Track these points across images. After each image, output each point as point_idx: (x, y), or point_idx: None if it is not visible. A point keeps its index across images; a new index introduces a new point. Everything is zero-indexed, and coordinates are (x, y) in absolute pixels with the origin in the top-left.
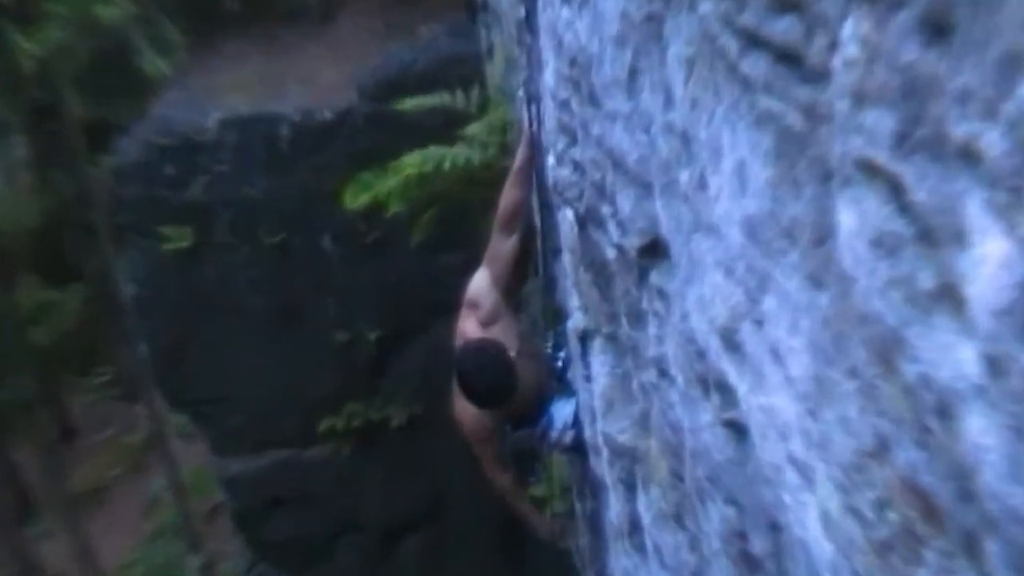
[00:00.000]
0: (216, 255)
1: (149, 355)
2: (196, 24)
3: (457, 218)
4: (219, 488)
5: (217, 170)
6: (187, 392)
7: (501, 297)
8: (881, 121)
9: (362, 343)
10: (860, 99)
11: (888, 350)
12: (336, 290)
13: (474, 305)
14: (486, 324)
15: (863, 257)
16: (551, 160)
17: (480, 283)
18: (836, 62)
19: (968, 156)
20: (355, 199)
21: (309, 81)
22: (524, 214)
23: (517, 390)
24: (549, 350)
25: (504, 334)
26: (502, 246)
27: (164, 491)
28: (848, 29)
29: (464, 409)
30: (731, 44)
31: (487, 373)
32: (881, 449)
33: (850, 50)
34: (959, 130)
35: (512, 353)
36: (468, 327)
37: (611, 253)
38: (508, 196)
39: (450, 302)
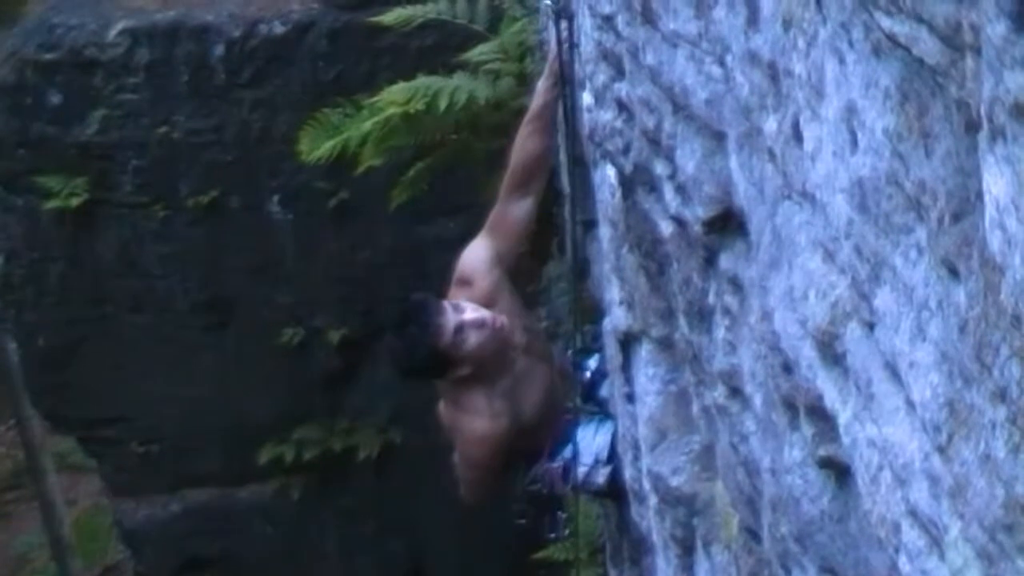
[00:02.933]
0: (118, 220)
1: (21, 358)
2: None
3: (454, 176)
4: (116, 543)
5: (121, 100)
6: (74, 409)
7: (503, 276)
8: None
9: (320, 345)
10: (1022, 22)
11: None
12: (286, 272)
13: (466, 281)
14: (481, 307)
15: (1018, 238)
16: (587, 99)
17: (477, 254)
18: None
19: None
20: (315, 148)
21: None
22: (545, 172)
23: (443, 340)
24: (572, 356)
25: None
26: (511, 211)
27: (38, 547)
28: None
29: (476, 435)
30: None
31: (408, 322)
32: None
33: None
34: None
35: (516, 345)
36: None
37: (667, 228)
38: (524, 146)
39: (441, 290)
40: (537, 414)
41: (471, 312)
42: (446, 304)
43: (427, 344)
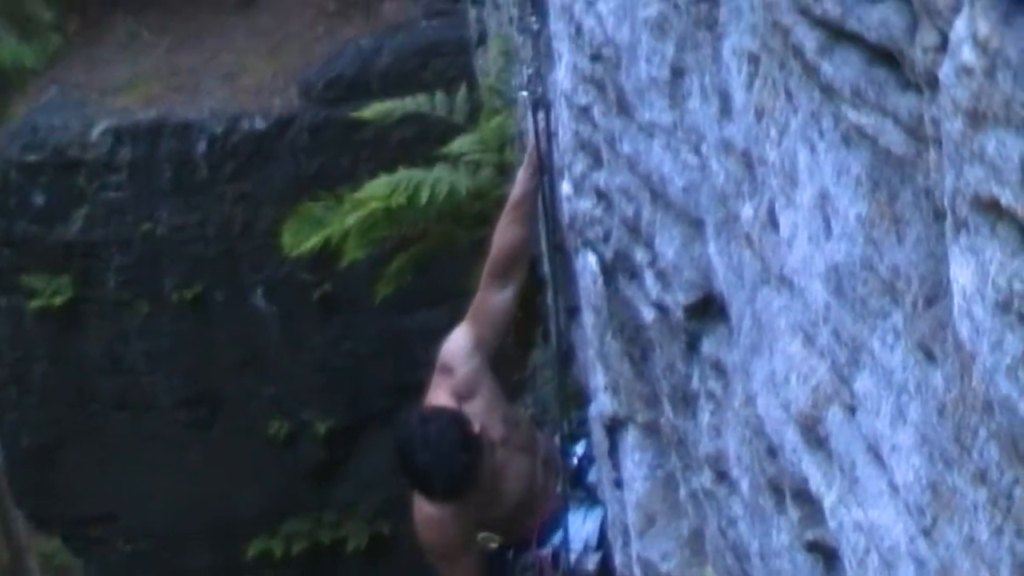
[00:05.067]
0: (102, 317)
1: (4, 458)
2: (78, 0)
3: (438, 265)
4: None
5: (105, 199)
6: (58, 508)
7: (484, 363)
8: (1006, 148)
9: (307, 437)
10: (978, 119)
11: None
12: (272, 365)
13: (447, 369)
14: (460, 396)
15: (985, 326)
16: (566, 188)
17: (458, 342)
18: (946, 69)
19: None
20: (299, 241)
21: (232, 77)
22: (525, 260)
23: (479, 476)
24: (560, 443)
25: (484, 411)
26: (492, 299)
27: None
28: (962, 26)
29: (423, 515)
30: (808, 38)
31: (436, 450)
32: None
33: (964, 55)
34: None
35: (486, 430)
36: (437, 398)
37: (649, 314)
38: (504, 235)
39: (425, 378)
40: (516, 504)
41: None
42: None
43: (458, 447)
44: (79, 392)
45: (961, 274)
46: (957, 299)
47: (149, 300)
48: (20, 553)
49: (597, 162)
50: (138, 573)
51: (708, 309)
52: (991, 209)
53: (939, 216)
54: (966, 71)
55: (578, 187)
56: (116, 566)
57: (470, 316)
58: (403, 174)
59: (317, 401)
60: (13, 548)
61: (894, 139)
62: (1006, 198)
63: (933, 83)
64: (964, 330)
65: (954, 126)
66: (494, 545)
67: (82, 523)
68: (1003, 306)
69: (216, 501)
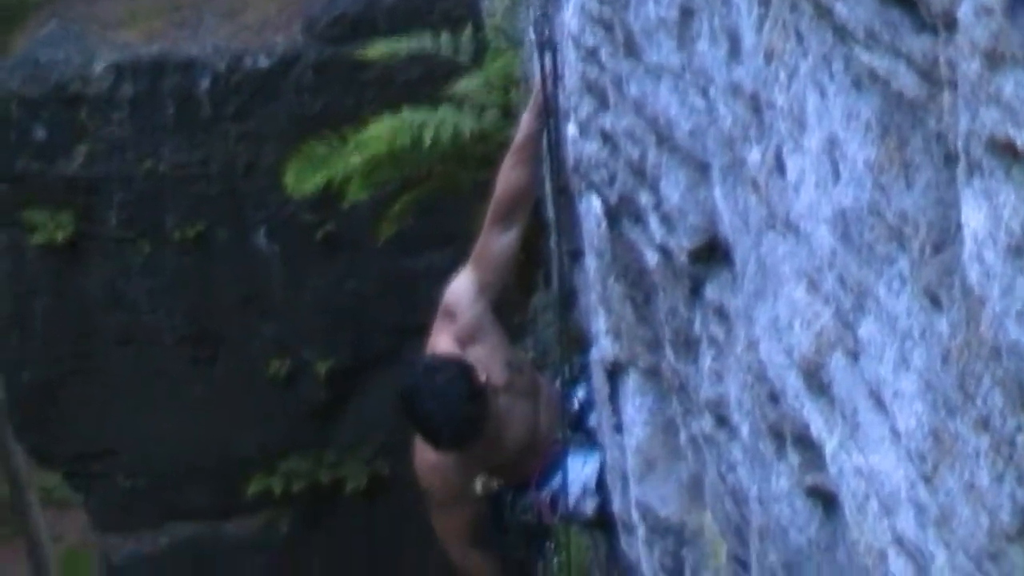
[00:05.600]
0: (104, 254)
1: (6, 394)
2: None
3: (441, 208)
4: None
5: (107, 135)
6: (60, 445)
7: (488, 308)
8: (1023, 89)
9: (308, 377)
10: (996, 60)
11: None
12: (273, 304)
13: (450, 314)
14: (463, 341)
15: (996, 270)
16: (572, 130)
17: (461, 287)
18: (965, 9)
19: None
20: (302, 181)
21: (236, 13)
22: (529, 203)
23: (486, 426)
24: (560, 387)
25: (487, 356)
26: (495, 243)
27: None
28: None
29: (425, 461)
30: None
31: (443, 400)
32: None
33: None
34: None
35: (488, 377)
36: (440, 343)
37: (652, 258)
38: (508, 177)
39: (428, 321)
40: (518, 449)
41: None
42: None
43: (466, 398)
44: (81, 329)
45: (973, 218)
46: (968, 243)
47: (151, 238)
48: (21, 488)
49: (603, 104)
50: (138, 509)
51: (712, 254)
52: (1006, 151)
53: (949, 161)
54: (985, 11)
55: (583, 129)
56: (116, 502)
57: (473, 260)
58: (407, 115)
59: (319, 341)
60: (14, 483)
61: (907, 82)
62: (1022, 140)
63: (950, 24)
64: (974, 275)
65: (971, 67)
66: (495, 486)
67: (83, 459)
68: (1015, 250)
69: (216, 439)
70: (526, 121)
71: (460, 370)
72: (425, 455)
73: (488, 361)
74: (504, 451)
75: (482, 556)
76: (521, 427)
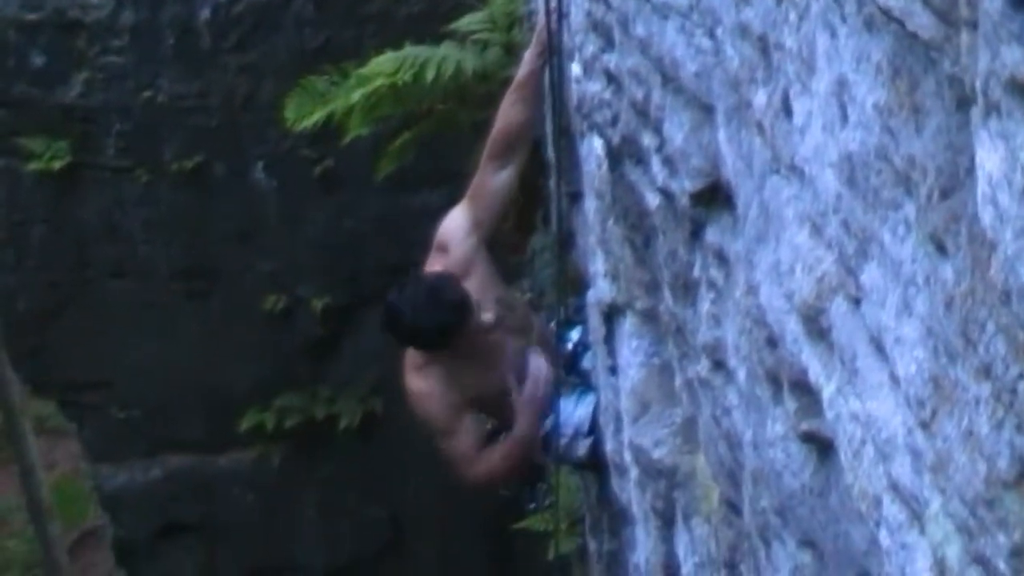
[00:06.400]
0: (100, 184)
1: (1, 322)
2: None
3: (441, 145)
4: (96, 507)
5: (105, 63)
6: (55, 373)
7: (480, 244)
8: None
9: (303, 313)
10: None
11: None
12: (270, 239)
13: (443, 248)
14: (455, 275)
15: (1010, 213)
16: (575, 70)
17: (455, 221)
18: None
19: None
20: (301, 116)
21: None
22: (527, 141)
23: (467, 331)
24: (555, 328)
25: (478, 291)
26: (490, 180)
27: (15, 510)
28: None
29: (414, 390)
30: None
31: (425, 300)
32: (1021, 477)
33: None
34: None
35: (488, 314)
36: None
37: (654, 200)
38: (506, 114)
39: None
40: (508, 385)
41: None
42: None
43: (452, 297)
44: (76, 258)
45: (988, 160)
46: (982, 186)
47: (148, 168)
48: (15, 415)
49: (608, 43)
50: (131, 440)
51: (715, 197)
52: None
53: (961, 105)
54: None
55: (588, 69)
56: (109, 432)
57: (468, 196)
58: (409, 51)
59: (315, 278)
60: (8, 410)
61: (923, 22)
62: None
63: None
64: (987, 217)
65: (993, 4)
66: (488, 427)
67: (77, 388)
68: None
69: (211, 373)
70: (528, 58)
71: (444, 278)
72: (414, 385)
73: (479, 295)
74: (493, 385)
75: (492, 458)
76: (511, 363)
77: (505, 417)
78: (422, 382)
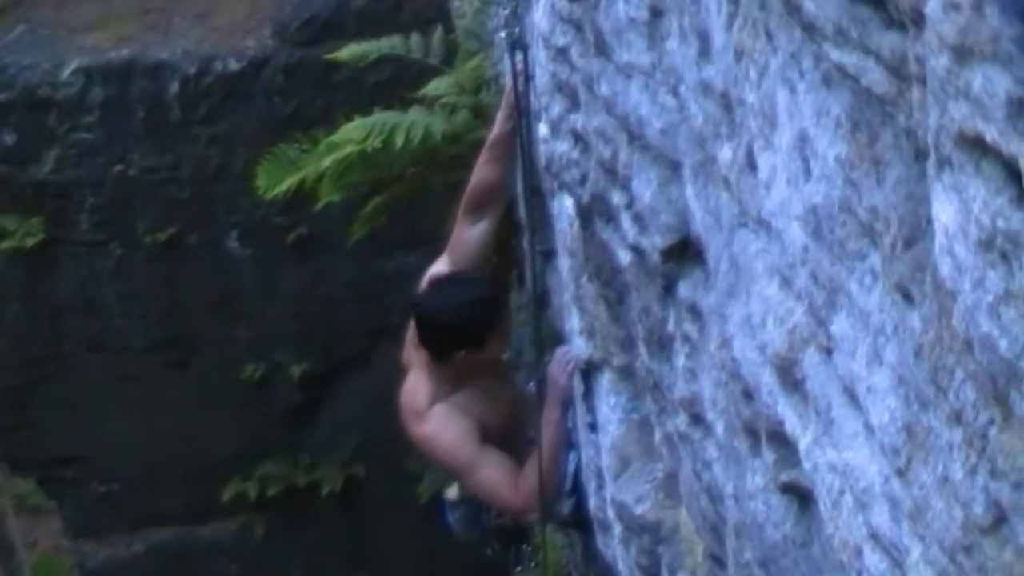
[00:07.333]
0: (75, 259)
1: None
2: None
3: (413, 209)
4: None
5: (76, 139)
6: (34, 450)
7: None
8: (992, 84)
9: (281, 381)
10: (964, 55)
11: (1003, 388)
12: (246, 308)
13: None
14: None
15: (967, 264)
16: (543, 130)
17: (438, 273)
18: (932, 4)
19: None
20: (273, 184)
21: (206, 17)
22: (500, 199)
23: (499, 322)
24: (533, 387)
25: None
26: (466, 232)
27: None
28: None
29: (431, 429)
30: None
31: (466, 296)
32: (997, 523)
33: None
34: None
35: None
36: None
37: (625, 257)
38: (479, 172)
39: (401, 324)
40: (499, 431)
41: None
42: None
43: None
44: (52, 334)
45: (944, 212)
46: (939, 237)
47: (122, 242)
48: None
49: (574, 104)
50: (112, 514)
51: (685, 252)
52: (976, 146)
53: (919, 157)
54: (953, 6)
55: (555, 129)
56: (90, 507)
57: (447, 251)
58: (378, 117)
59: (292, 344)
60: None
61: (876, 78)
62: (991, 135)
63: (918, 20)
64: (945, 268)
65: (940, 62)
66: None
67: (56, 464)
68: (986, 244)
69: (191, 443)
70: (499, 120)
71: (473, 277)
72: (422, 430)
73: None
74: (502, 414)
75: (530, 473)
76: (503, 408)
77: (514, 450)
78: (432, 423)
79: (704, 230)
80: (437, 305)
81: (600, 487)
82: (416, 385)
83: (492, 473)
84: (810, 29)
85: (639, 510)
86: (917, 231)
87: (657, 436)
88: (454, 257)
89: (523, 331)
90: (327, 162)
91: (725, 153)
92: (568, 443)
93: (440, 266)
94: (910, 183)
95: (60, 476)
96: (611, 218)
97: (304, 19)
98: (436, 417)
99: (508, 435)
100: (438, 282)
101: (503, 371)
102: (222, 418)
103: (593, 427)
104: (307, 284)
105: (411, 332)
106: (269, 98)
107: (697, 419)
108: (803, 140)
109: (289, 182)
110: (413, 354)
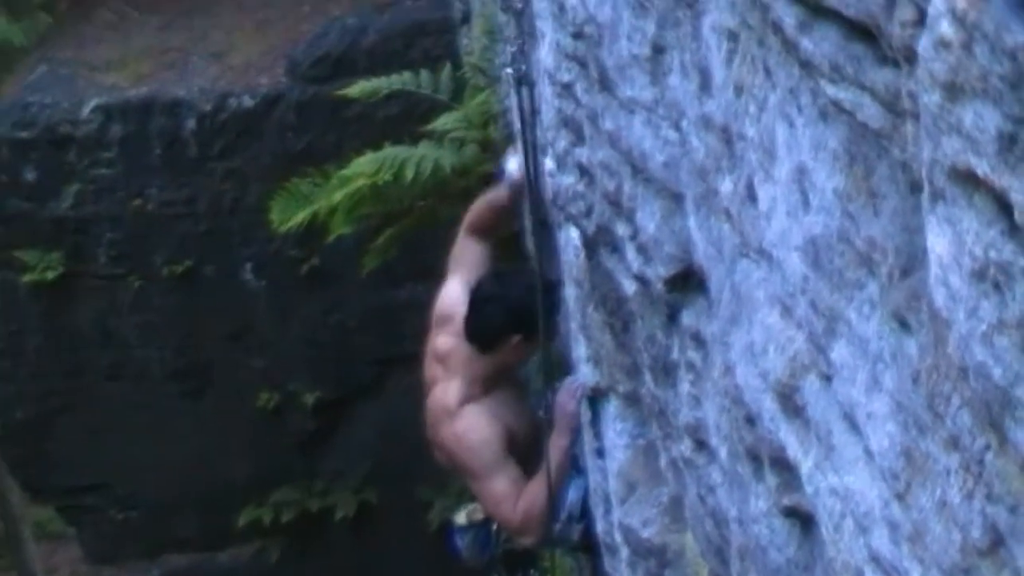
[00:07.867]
0: (94, 291)
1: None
2: None
3: (422, 241)
4: None
5: (96, 175)
6: (53, 478)
7: None
8: (983, 120)
9: (296, 409)
10: (955, 92)
11: (998, 415)
12: (260, 338)
13: (446, 317)
14: (462, 335)
15: (961, 294)
16: (549, 164)
17: (452, 293)
18: (924, 43)
19: None
20: (286, 217)
21: (221, 56)
22: (502, 223)
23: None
24: (543, 414)
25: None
26: (470, 246)
27: None
28: (939, 1)
29: (463, 426)
30: (787, 14)
31: (527, 281)
32: (995, 546)
33: (941, 28)
34: None
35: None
36: (440, 343)
37: (630, 286)
38: (486, 199)
39: (412, 352)
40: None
41: None
42: None
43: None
44: (72, 365)
45: (938, 244)
46: (934, 268)
47: (140, 275)
48: (15, 522)
49: (579, 138)
50: (130, 541)
51: (688, 281)
52: (968, 180)
53: (915, 189)
54: (944, 44)
55: (561, 163)
56: (109, 534)
57: (451, 269)
58: (389, 151)
59: (305, 373)
60: (8, 517)
61: (871, 113)
62: (982, 169)
63: (911, 57)
64: (940, 298)
65: (932, 99)
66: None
67: (75, 492)
68: (979, 274)
69: (207, 471)
70: (497, 196)
71: (531, 270)
72: (453, 428)
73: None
74: (526, 421)
75: (532, 490)
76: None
77: (531, 461)
78: (463, 421)
79: (706, 260)
80: (505, 287)
81: (607, 511)
82: (447, 388)
83: (502, 486)
84: (807, 66)
85: (645, 534)
86: (913, 261)
87: (663, 461)
88: (461, 269)
89: (532, 359)
90: (339, 196)
91: (726, 185)
92: (577, 469)
93: (454, 284)
94: (906, 215)
95: (79, 503)
96: (616, 249)
97: (316, 57)
98: (467, 415)
99: (529, 450)
100: (498, 272)
101: (523, 385)
102: (237, 445)
103: (600, 453)
104: (320, 314)
105: (437, 348)
106: (282, 134)
107: (701, 444)
108: (802, 173)
109: (302, 215)
110: (437, 369)
